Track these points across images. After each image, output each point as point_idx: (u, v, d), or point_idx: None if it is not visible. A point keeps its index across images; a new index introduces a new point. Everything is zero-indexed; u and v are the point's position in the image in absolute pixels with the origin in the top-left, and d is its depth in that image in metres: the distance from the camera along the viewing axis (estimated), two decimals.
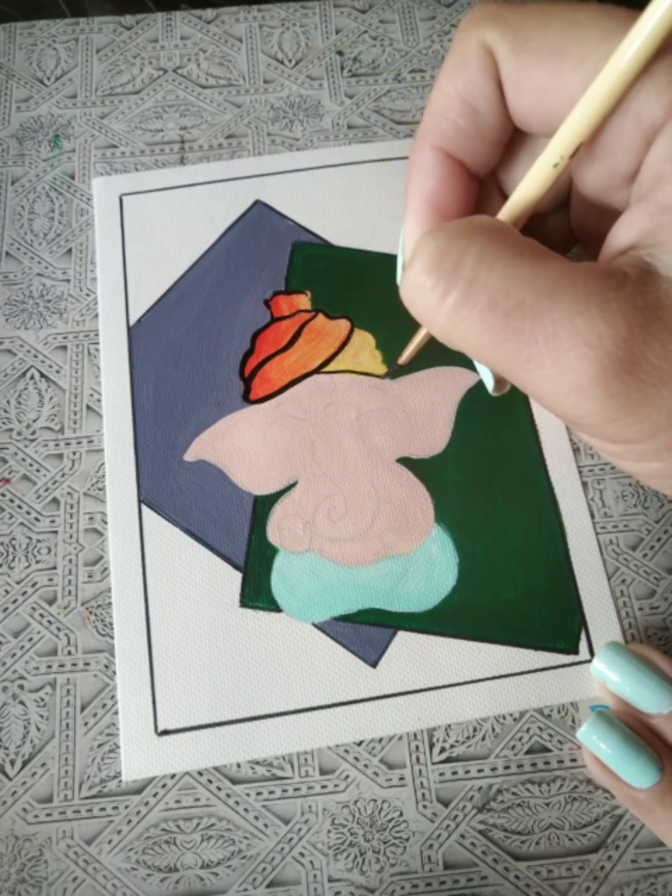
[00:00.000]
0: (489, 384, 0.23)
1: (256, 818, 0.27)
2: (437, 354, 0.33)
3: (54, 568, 0.30)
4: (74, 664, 0.29)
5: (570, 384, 0.16)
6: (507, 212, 0.20)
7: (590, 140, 0.18)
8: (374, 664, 0.29)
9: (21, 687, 0.29)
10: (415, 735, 0.28)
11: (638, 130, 0.17)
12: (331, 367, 0.33)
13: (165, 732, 0.28)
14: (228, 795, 0.28)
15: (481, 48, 0.19)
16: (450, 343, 0.19)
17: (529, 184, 0.19)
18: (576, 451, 0.32)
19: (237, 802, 0.28)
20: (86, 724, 0.28)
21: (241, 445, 0.32)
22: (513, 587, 0.30)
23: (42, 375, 0.34)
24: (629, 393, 0.16)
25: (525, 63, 0.18)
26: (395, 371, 0.33)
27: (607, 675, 0.27)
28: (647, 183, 0.17)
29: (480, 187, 0.22)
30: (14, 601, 0.30)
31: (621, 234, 0.18)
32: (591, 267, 0.17)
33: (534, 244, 0.17)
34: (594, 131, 0.18)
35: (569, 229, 0.24)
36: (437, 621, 0.29)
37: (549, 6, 0.19)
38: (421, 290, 0.17)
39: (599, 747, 0.26)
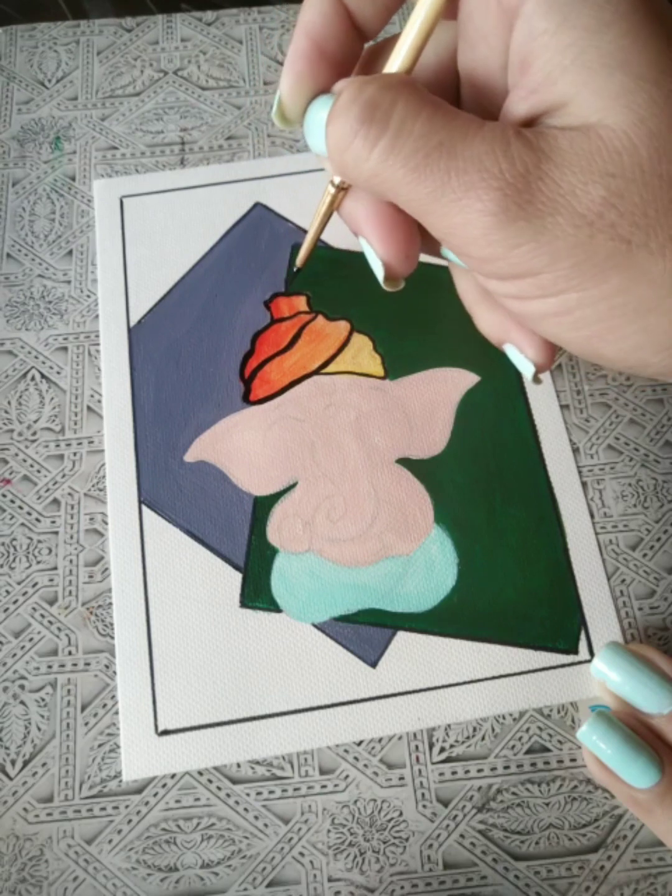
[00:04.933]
0: (380, 275, 0.24)
1: (256, 818, 0.27)
2: (436, 356, 0.34)
3: (55, 568, 0.31)
4: (75, 664, 0.29)
5: (478, 211, 0.18)
6: (396, 62, 0.21)
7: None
8: (373, 664, 0.29)
9: (22, 687, 0.29)
10: (414, 735, 0.28)
11: (500, 15, 0.19)
12: (331, 368, 0.33)
13: (165, 732, 0.28)
14: (228, 795, 0.28)
15: None
16: (372, 186, 0.21)
17: (408, 32, 0.20)
18: (575, 451, 0.32)
19: (237, 802, 0.28)
20: (86, 724, 0.28)
21: (242, 446, 0.32)
22: (512, 587, 0.30)
23: (43, 376, 0.34)
24: (529, 219, 0.18)
25: None
26: (296, 274, 0.32)
27: (607, 674, 0.27)
28: (515, 68, 0.19)
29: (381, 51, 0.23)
30: (15, 601, 0.30)
31: (509, 121, 0.20)
32: (494, 122, 0.19)
33: (442, 101, 0.19)
34: None
35: None
36: (436, 621, 0.29)
37: None
38: (354, 137, 0.19)
39: (599, 747, 0.26)
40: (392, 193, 0.20)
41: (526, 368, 0.25)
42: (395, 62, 0.21)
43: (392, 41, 0.21)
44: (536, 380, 0.25)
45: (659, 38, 0.18)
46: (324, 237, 0.36)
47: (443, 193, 0.19)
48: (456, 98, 0.24)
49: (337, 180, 0.24)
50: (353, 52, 0.22)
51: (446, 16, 0.20)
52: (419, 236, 0.24)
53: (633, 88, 0.17)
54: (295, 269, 0.32)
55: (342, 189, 0.25)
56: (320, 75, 0.22)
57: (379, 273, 0.25)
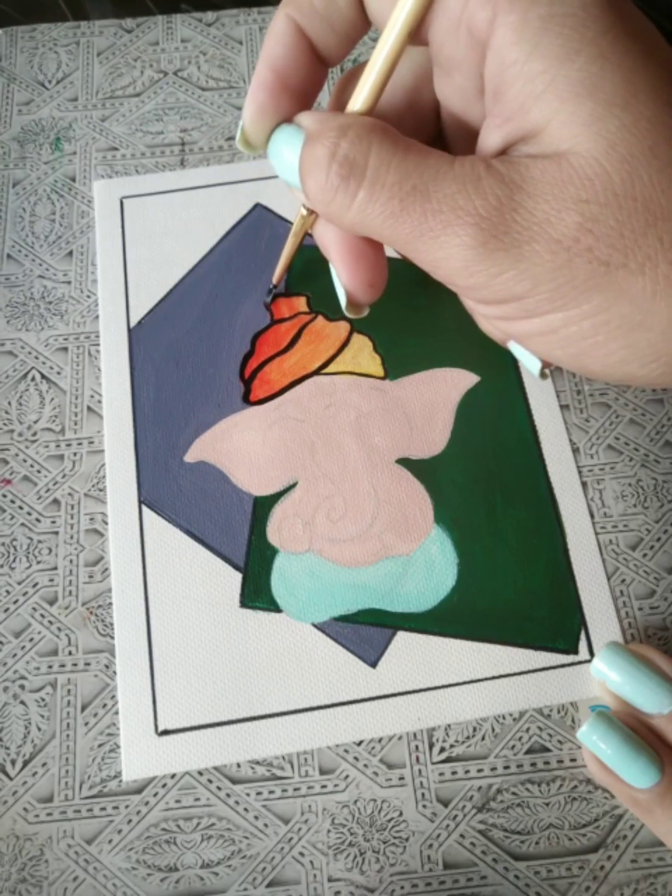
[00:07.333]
0: (343, 301, 0.26)
1: (256, 818, 0.27)
2: (436, 356, 0.34)
3: (55, 568, 0.31)
4: (75, 664, 0.29)
5: (458, 246, 0.19)
6: (360, 99, 0.21)
7: (428, 43, 0.21)
8: (373, 664, 0.29)
9: (22, 687, 0.29)
10: (414, 735, 0.28)
11: (472, 44, 0.19)
12: (331, 368, 0.33)
13: (166, 732, 0.28)
14: (228, 795, 0.28)
15: None
16: (356, 231, 0.22)
17: (374, 63, 0.21)
18: (575, 451, 0.32)
19: (237, 802, 0.28)
20: (86, 724, 0.28)
21: (242, 446, 0.32)
22: (512, 587, 0.30)
23: (43, 377, 0.34)
24: (507, 249, 0.19)
25: None
26: (274, 292, 0.34)
27: (607, 674, 0.27)
28: (490, 96, 0.20)
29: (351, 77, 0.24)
30: (15, 601, 0.30)
31: (484, 150, 0.21)
32: (464, 157, 0.20)
33: (413, 141, 0.20)
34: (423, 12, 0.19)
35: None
36: (436, 621, 0.29)
37: None
38: (335, 192, 0.20)
39: (599, 747, 0.26)
40: (375, 236, 0.21)
41: (532, 365, 0.25)
42: (362, 94, 0.21)
43: (363, 68, 0.22)
44: (543, 375, 0.25)
45: (629, 60, 0.18)
46: None
47: (422, 232, 0.19)
48: (436, 121, 0.24)
49: (308, 206, 0.25)
50: (315, 81, 0.23)
51: (415, 41, 0.20)
52: (386, 267, 0.25)
53: (603, 115, 0.18)
54: (271, 287, 0.33)
55: (313, 211, 0.25)
56: (282, 105, 0.22)
57: (342, 299, 0.26)
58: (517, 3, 0.18)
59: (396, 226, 0.20)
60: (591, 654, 0.29)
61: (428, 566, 0.30)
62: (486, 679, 0.29)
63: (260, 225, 0.36)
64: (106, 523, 0.31)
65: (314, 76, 0.23)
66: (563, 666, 0.29)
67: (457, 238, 0.19)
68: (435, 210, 0.19)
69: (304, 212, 0.26)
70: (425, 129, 0.25)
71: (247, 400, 0.33)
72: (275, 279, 0.32)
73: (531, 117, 0.19)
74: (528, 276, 0.19)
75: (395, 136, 0.20)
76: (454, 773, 0.28)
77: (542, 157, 0.19)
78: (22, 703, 0.29)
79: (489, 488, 0.31)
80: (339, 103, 0.24)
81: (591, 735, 0.26)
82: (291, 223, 0.36)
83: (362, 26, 0.22)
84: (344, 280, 0.25)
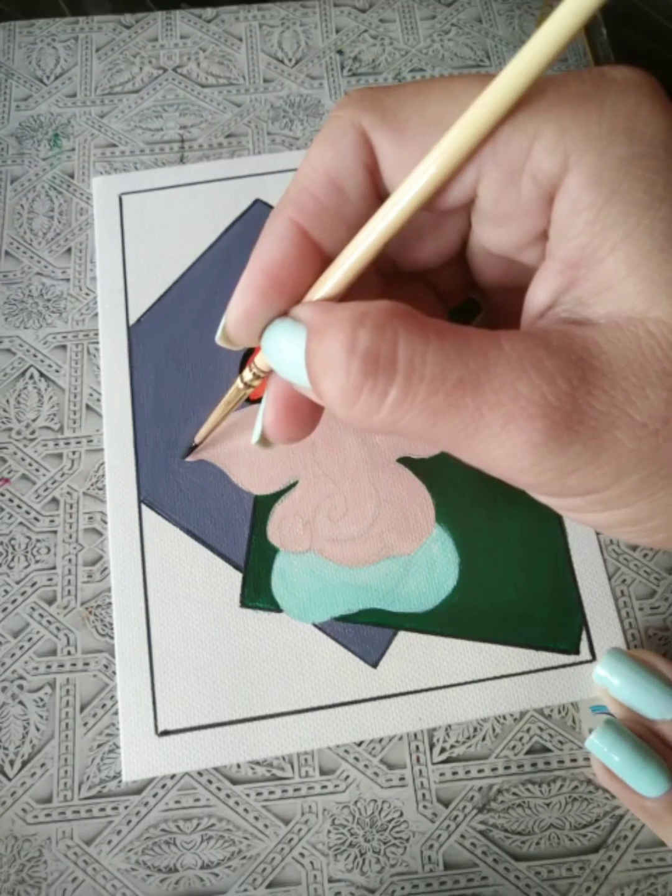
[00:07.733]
0: (256, 436, 0.23)
1: (256, 818, 0.27)
2: None
3: (54, 568, 0.30)
4: (74, 664, 0.29)
5: (524, 444, 0.16)
6: (337, 281, 0.19)
7: (476, 201, 0.18)
8: (374, 664, 0.29)
9: (20, 687, 0.29)
10: (415, 735, 0.28)
11: (537, 192, 0.17)
12: None
13: (165, 733, 0.28)
14: (228, 796, 0.28)
15: (355, 129, 0.18)
16: (384, 433, 0.19)
17: (372, 235, 0.18)
18: None
19: (237, 803, 0.28)
20: (85, 724, 0.28)
21: (242, 445, 0.32)
22: (514, 587, 0.30)
23: (41, 375, 0.33)
24: (585, 442, 0.16)
25: (407, 141, 0.18)
26: (193, 449, 0.32)
27: (610, 681, 0.27)
28: (554, 241, 0.17)
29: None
30: (13, 601, 0.30)
31: (538, 296, 0.18)
32: (512, 333, 0.17)
33: (443, 323, 0.17)
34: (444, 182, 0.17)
35: (459, 283, 0.23)
36: (437, 621, 0.29)
37: (423, 84, 0.18)
38: (360, 391, 0.17)
39: (609, 757, 0.26)
40: (414, 437, 0.18)
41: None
42: (335, 278, 0.19)
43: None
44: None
45: None
46: None
47: (476, 430, 0.16)
48: (453, 255, 0.22)
49: (248, 378, 0.23)
50: (313, 278, 0.20)
51: (428, 208, 0.18)
52: (315, 426, 0.23)
53: None
54: (193, 444, 0.31)
55: (249, 387, 0.23)
56: (274, 307, 0.20)
57: (256, 433, 0.23)
58: (593, 143, 0.16)
59: (441, 424, 0.17)
60: (593, 654, 0.29)
61: (429, 566, 0.30)
62: (487, 679, 0.29)
63: (260, 221, 0.36)
64: (105, 522, 0.31)
65: (314, 274, 0.20)
66: (564, 666, 0.29)
67: (523, 434, 0.16)
68: (492, 403, 0.16)
69: (241, 385, 0.23)
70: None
71: (247, 398, 0.33)
72: (197, 438, 0.31)
73: (604, 268, 0.16)
74: (610, 469, 0.16)
75: (421, 318, 0.17)
76: (455, 773, 0.28)
77: (610, 324, 0.16)
78: (20, 703, 0.29)
79: (491, 487, 0.31)
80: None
81: (600, 745, 0.26)
82: None
83: (376, 207, 0.19)
84: (267, 425, 0.22)
